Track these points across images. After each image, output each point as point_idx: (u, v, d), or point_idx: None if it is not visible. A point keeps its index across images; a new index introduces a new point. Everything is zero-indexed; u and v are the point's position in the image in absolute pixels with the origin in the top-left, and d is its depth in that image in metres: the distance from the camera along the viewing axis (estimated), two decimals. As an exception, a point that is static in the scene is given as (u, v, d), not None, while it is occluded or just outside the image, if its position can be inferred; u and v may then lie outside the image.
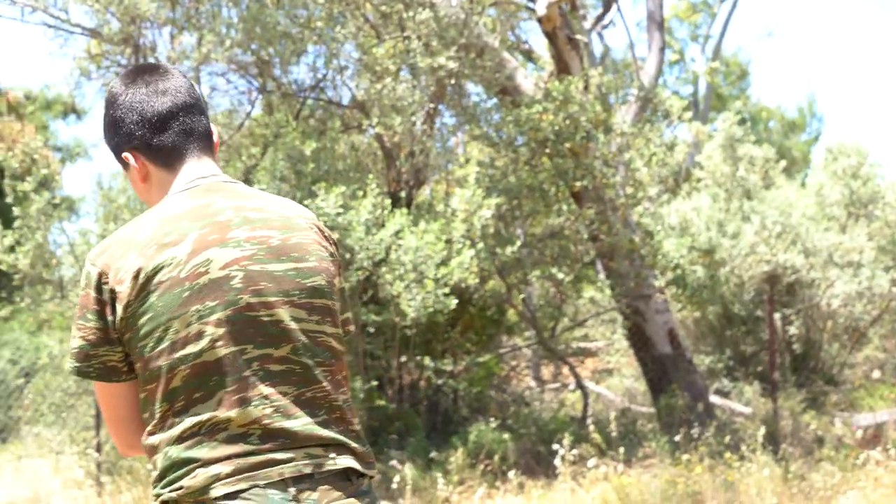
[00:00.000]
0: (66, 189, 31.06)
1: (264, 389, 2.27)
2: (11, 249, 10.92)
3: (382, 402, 10.85)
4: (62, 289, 11.27)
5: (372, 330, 10.83)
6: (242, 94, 12.39)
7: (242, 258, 2.31)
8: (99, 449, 10.63)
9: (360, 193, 10.26)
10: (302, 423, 2.27)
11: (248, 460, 2.23)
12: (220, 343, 2.26)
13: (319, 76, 11.71)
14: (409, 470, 9.59)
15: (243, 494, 2.20)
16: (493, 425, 10.54)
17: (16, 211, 10.96)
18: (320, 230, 2.49)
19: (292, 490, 2.22)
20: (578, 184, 10.78)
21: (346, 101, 12.03)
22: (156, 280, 2.27)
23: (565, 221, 11.28)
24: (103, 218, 11.71)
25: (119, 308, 2.29)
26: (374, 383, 10.90)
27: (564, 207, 11.16)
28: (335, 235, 9.65)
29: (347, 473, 2.30)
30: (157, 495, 2.29)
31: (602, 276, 12.62)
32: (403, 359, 11.40)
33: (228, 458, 2.22)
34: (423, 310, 9.82)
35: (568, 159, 10.75)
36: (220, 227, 2.34)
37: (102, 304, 2.32)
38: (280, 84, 11.47)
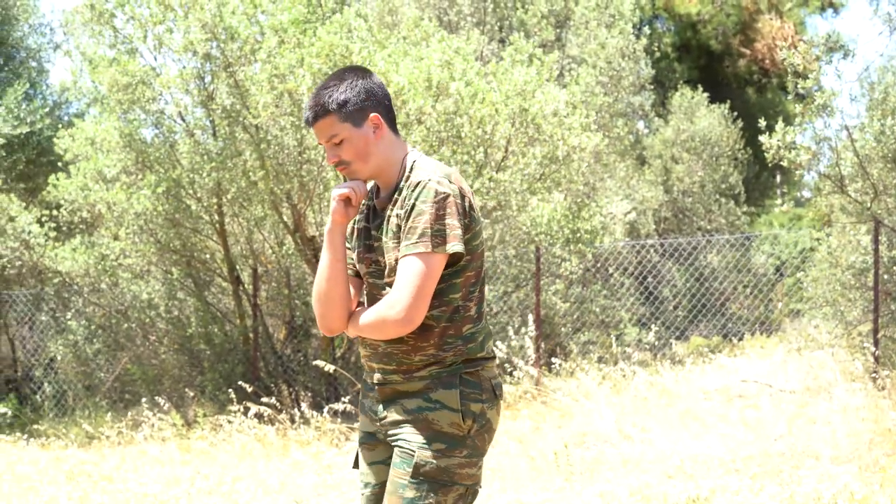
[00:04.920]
0: (822, 83, 30.86)
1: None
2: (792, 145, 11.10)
3: None
4: (842, 183, 11.28)
5: None
6: None
7: None
8: (877, 343, 10.51)
9: None
10: None
11: None
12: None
13: None
14: None
15: None
16: None
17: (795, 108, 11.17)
18: None
19: None
20: None
21: None
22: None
23: None
24: (868, 113, 11.48)
25: (473, 215, 3.35)
26: None
27: None
28: None
29: None
30: (475, 358, 3.37)
31: None
32: None
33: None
34: None
35: None
36: None
37: (464, 211, 3.32)
38: None
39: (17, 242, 13.00)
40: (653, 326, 12.30)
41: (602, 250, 14.94)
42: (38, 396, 14.46)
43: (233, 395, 10.60)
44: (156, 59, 11.97)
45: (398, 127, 3.65)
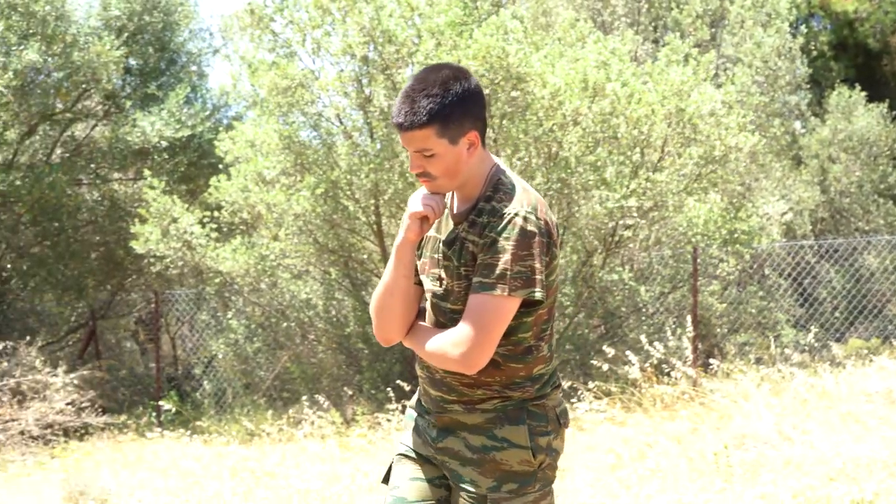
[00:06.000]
0: None
1: None
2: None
3: None
4: None
5: None
6: None
7: None
8: None
9: None
10: None
11: None
12: None
13: None
14: None
15: None
16: None
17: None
18: None
19: None
20: None
21: None
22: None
23: None
24: None
25: (553, 251, 3.11)
26: None
27: None
28: None
29: None
30: (544, 393, 3.18)
31: None
32: None
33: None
34: None
35: None
36: None
37: (548, 249, 3.08)
38: None
39: (179, 243, 13.35)
40: (811, 328, 12.03)
41: (759, 251, 14.70)
42: (198, 394, 14.88)
43: (391, 394, 10.73)
44: (314, 62, 12.25)
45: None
